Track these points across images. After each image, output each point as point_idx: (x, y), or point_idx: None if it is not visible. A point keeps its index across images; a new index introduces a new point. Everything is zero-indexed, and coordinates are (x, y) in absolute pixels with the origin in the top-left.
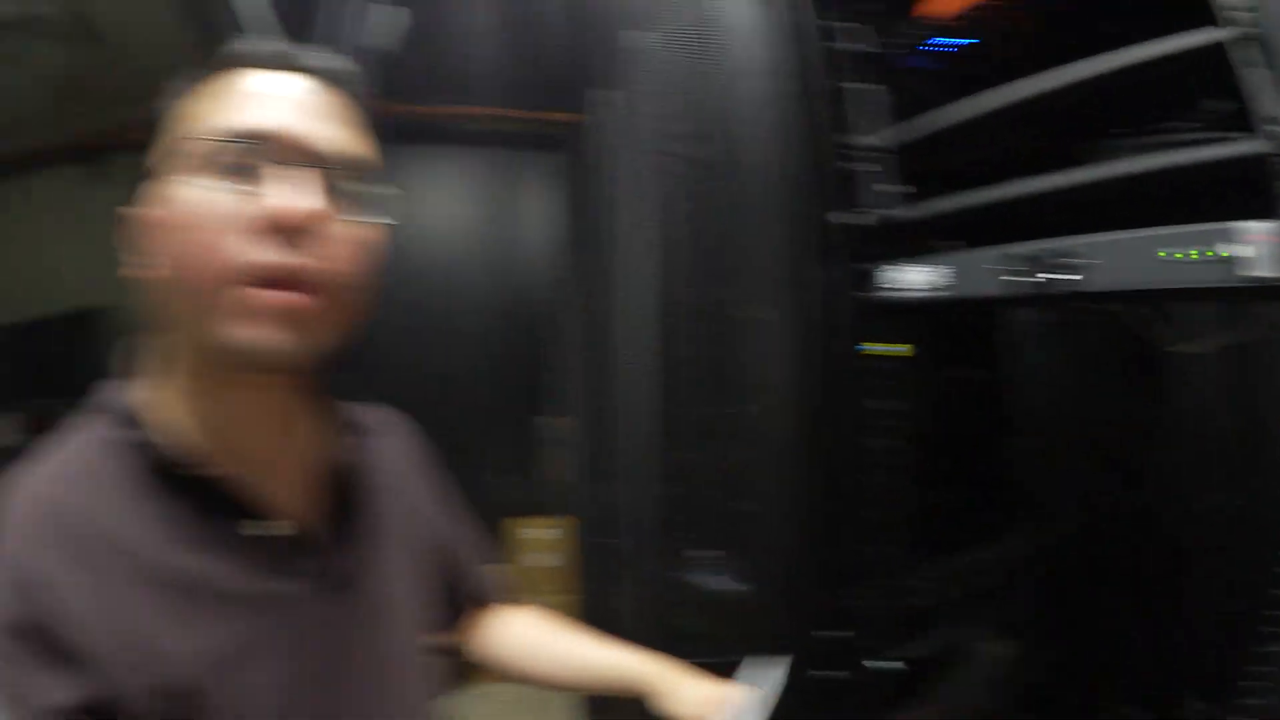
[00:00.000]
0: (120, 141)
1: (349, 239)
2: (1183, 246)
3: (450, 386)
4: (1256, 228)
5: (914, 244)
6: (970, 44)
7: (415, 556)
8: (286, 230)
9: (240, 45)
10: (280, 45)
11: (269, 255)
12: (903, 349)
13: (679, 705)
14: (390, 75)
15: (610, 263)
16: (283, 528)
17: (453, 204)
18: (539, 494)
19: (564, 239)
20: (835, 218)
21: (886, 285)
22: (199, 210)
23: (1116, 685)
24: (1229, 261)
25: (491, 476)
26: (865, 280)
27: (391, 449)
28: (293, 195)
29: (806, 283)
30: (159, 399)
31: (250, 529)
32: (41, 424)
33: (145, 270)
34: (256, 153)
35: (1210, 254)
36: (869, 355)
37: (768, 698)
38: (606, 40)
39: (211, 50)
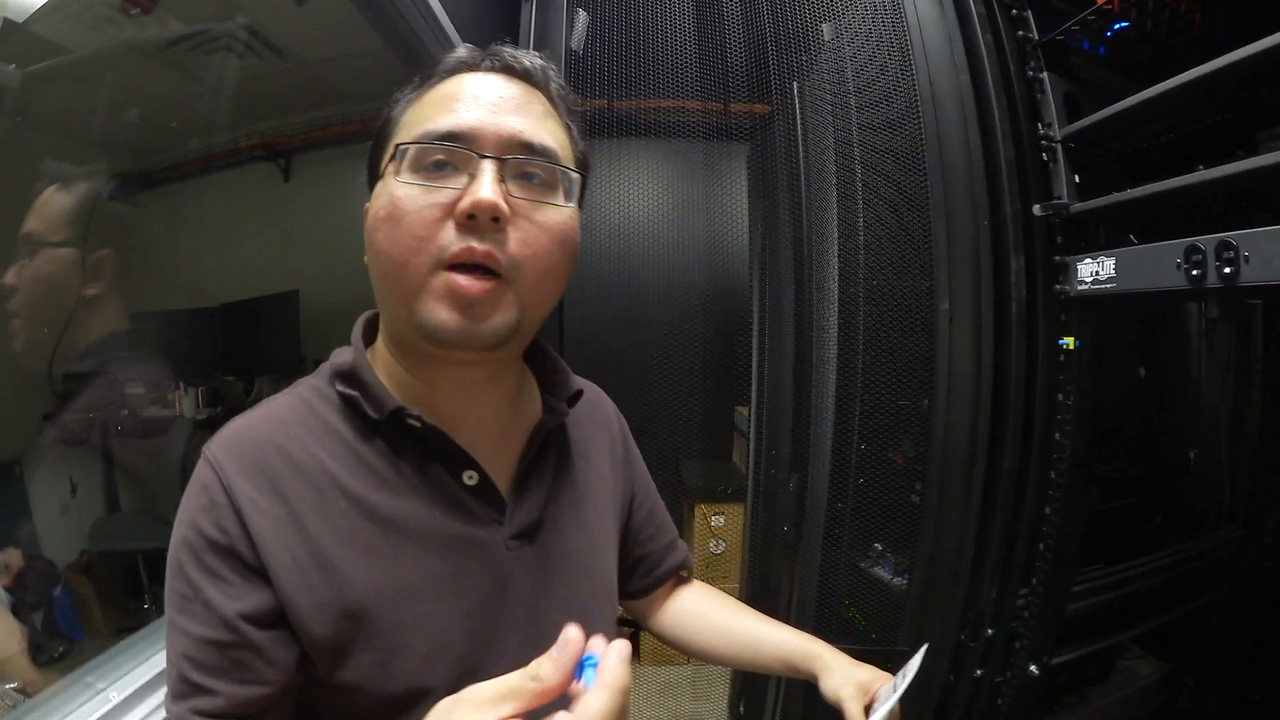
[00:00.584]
0: (302, 143)
1: (542, 226)
2: None
3: (633, 371)
4: None
5: (1091, 236)
6: (1145, 29)
7: (605, 523)
8: (480, 219)
9: (451, 50)
10: (487, 49)
11: (462, 243)
12: (1069, 342)
13: (838, 687)
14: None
15: (798, 252)
16: (476, 479)
17: (642, 195)
18: (715, 480)
19: (753, 229)
20: (1034, 209)
21: (1068, 278)
22: (404, 204)
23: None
24: None
25: (670, 461)
26: (1054, 272)
27: (594, 420)
28: (486, 188)
29: (998, 274)
30: (375, 362)
31: (445, 477)
32: (223, 399)
33: (369, 257)
34: (456, 150)
35: None
36: (1053, 349)
37: (907, 686)
38: (794, 32)
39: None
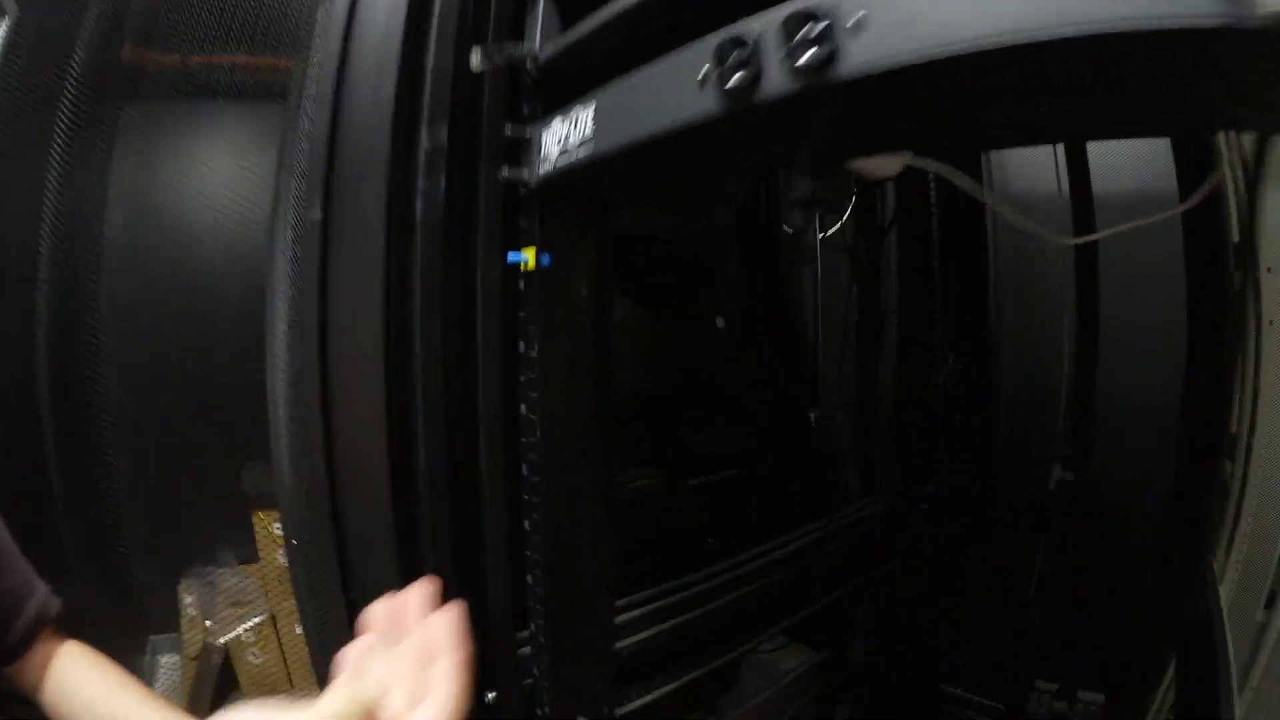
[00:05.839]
0: None
1: None
2: None
3: (188, 363)
4: None
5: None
6: None
7: None
8: None
9: None
10: None
11: None
12: (529, 258)
13: None
14: None
15: None
16: None
17: (189, 170)
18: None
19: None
20: (472, 61)
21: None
22: None
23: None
24: None
25: (231, 466)
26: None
27: None
28: None
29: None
30: None
31: None
32: None
33: None
34: None
35: None
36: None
37: None
38: None
39: None
